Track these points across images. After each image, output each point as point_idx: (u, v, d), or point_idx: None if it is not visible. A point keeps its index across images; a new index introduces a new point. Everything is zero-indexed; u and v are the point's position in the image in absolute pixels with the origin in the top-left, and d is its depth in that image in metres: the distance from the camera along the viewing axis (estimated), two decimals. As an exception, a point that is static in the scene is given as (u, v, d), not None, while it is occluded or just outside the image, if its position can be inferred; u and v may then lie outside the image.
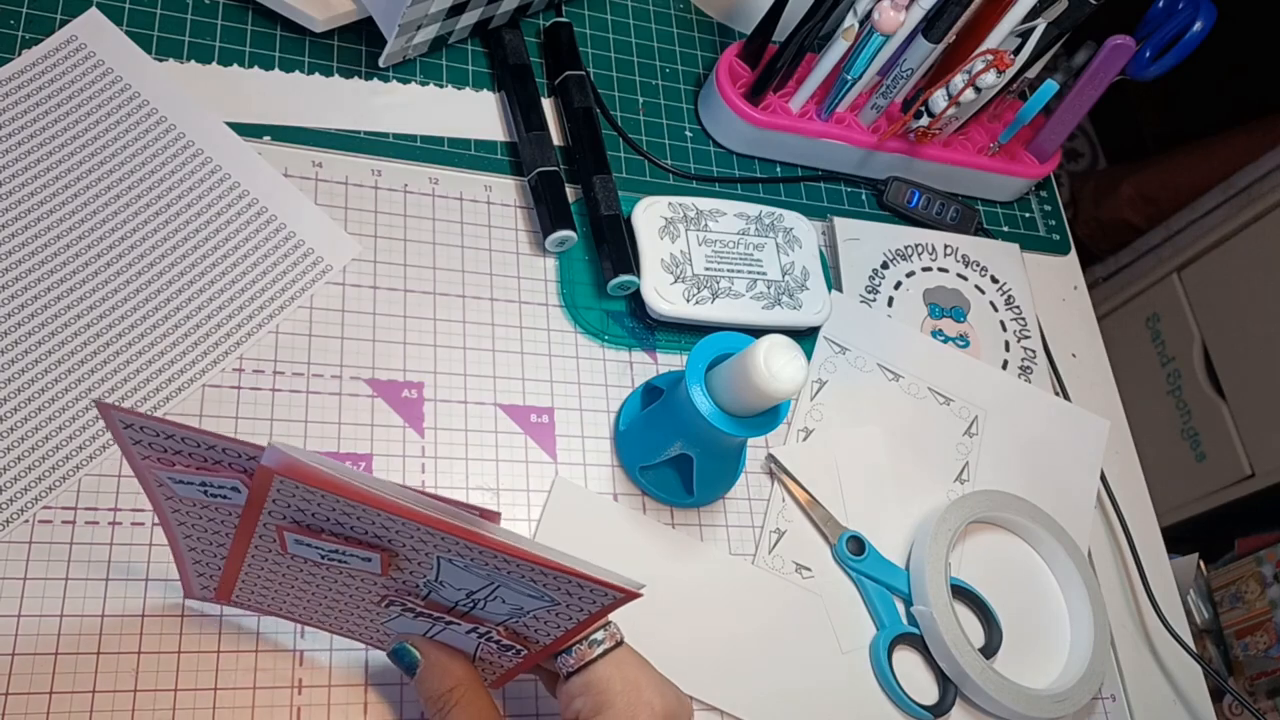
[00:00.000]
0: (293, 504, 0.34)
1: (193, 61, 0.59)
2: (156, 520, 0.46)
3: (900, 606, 0.58)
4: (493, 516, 0.35)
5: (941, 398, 0.66)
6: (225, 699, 0.45)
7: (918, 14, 0.63)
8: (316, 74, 0.61)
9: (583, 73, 0.66)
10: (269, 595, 0.43)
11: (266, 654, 0.46)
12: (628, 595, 0.36)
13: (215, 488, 0.35)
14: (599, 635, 0.41)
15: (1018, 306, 0.72)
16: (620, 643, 0.41)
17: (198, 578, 0.43)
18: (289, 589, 0.42)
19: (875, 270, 0.69)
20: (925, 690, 0.57)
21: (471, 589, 0.38)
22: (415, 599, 0.40)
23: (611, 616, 0.40)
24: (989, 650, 0.58)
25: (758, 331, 0.52)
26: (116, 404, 0.32)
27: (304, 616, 0.44)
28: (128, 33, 0.58)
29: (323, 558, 0.37)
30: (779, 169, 0.71)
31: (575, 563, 0.34)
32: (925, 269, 0.70)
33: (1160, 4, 0.69)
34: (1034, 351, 0.71)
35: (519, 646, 0.41)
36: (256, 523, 0.36)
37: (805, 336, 0.64)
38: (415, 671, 0.42)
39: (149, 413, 0.41)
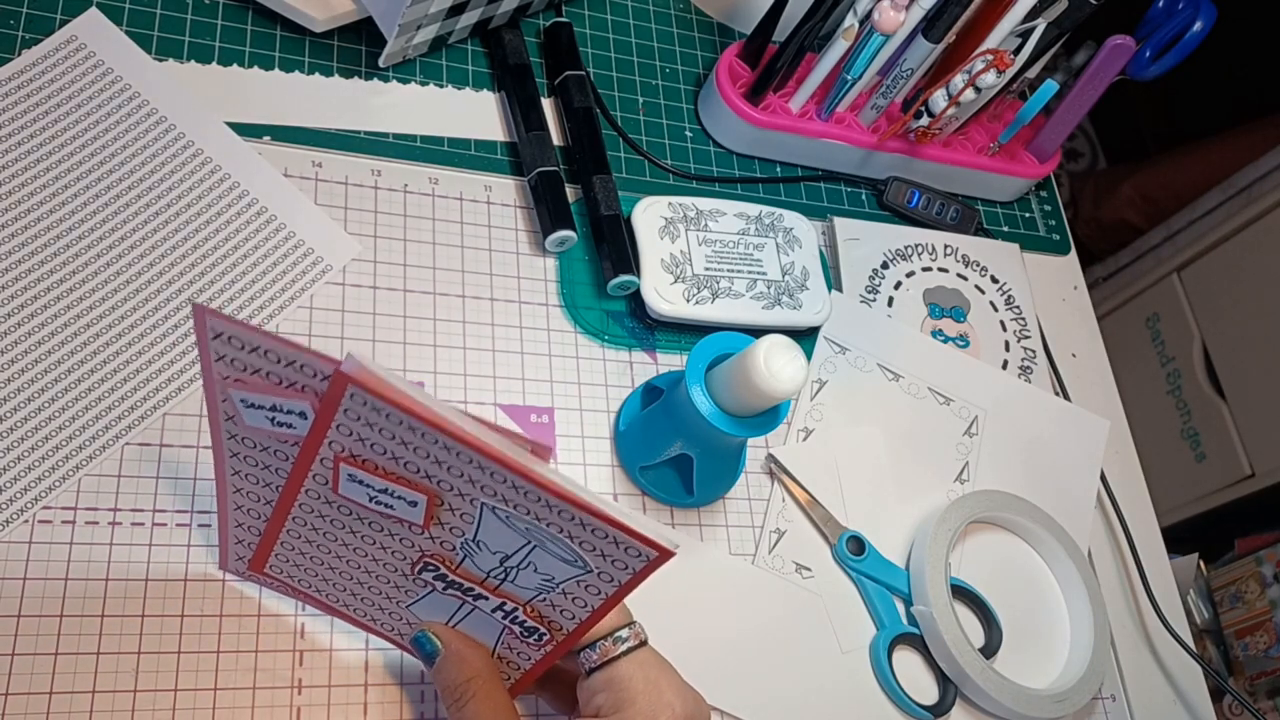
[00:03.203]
0: (355, 429, 0.35)
1: (193, 61, 0.59)
2: (214, 484, 0.45)
3: (900, 606, 0.58)
4: (544, 452, 0.36)
5: (941, 398, 0.66)
6: (225, 699, 0.45)
7: (918, 14, 0.63)
8: (316, 74, 0.61)
9: (583, 73, 0.66)
10: (303, 566, 0.43)
11: (266, 654, 0.46)
12: (662, 554, 0.36)
13: (284, 412, 0.36)
14: (623, 633, 0.41)
15: (1018, 306, 0.72)
16: (644, 642, 0.41)
17: (235, 544, 0.44)
18: (324, 557, 0.42)
19: (875, 270, 0.69)
20: (925, 690, 0.57)
21: (507, 552, 0.38)
22: (449, 565, 0.40)
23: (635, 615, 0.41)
24: (989, 650, 0.58)
25: (758, 331, 0.52)
26: (212, 308, 0.34)
27: (331, 597, 0.45)
28: (128, 33, 0.58)
29: (370, 500, 0.38)
30: (779, 169, 0.71)
31: (615, 510, 0.35)
32: (925, 269, 0.70)
33: (1160, 4, 0.69)
34: (1034, 351, 0.71)
35: (543, 630, 0.41)
36: (316, 453, 0.37)
37: (805, 336, 0.64)
38: (434, 660, 0.42)
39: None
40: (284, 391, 0.35)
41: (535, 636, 0.41)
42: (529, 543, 0.37)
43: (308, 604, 0.47)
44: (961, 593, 0.59)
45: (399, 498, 0.37)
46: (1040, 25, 0.65)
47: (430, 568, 0.40)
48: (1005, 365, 0.69)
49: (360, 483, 0.37)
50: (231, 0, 0.61)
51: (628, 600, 0.39)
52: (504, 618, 0.41)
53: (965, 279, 0.71)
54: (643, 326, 0.61)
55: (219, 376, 0.36)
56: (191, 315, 0.35)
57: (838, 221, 0.69)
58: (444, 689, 0.42)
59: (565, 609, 0.40)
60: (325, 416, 0.35)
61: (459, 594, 0.41)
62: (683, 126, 0.70)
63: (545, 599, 0.40)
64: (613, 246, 0.60)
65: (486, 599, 0.41)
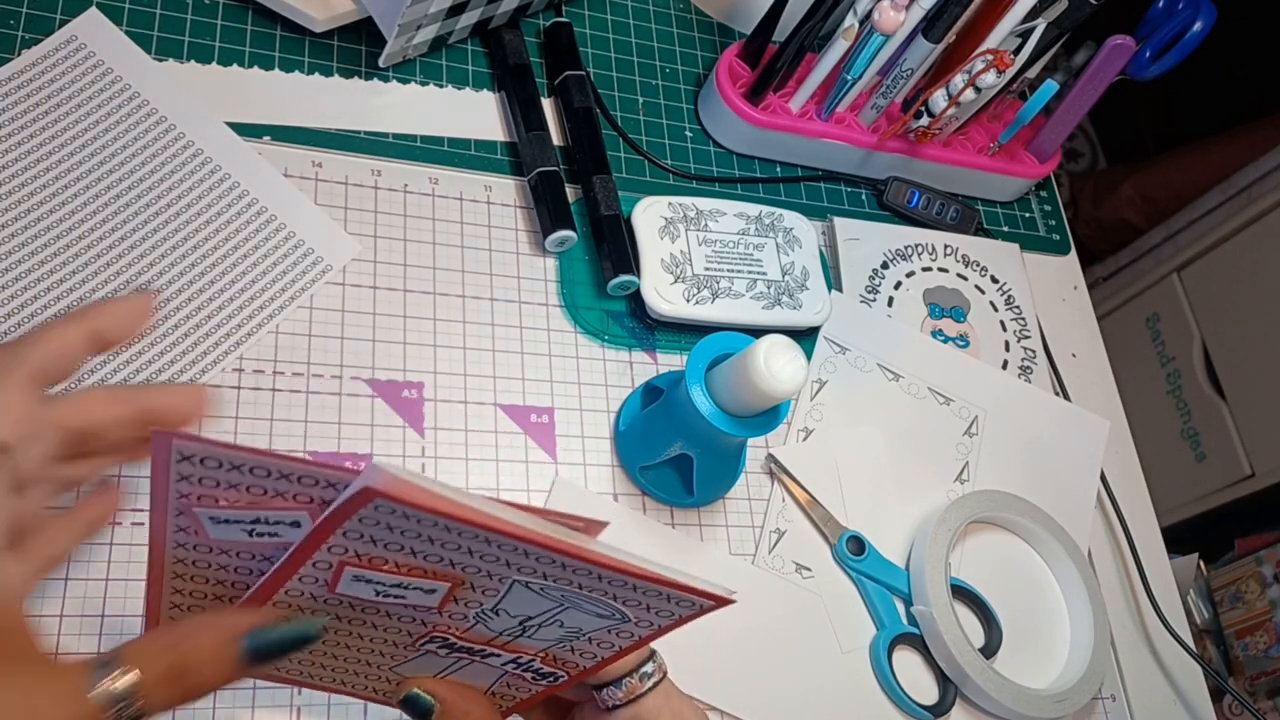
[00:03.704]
0: (369, 533, 0.31)
1: (193, 61, 0.59)
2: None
3: (900, 606, 0.58)
4: (596, 529, 0.33)
5: (941, 398, 0.66)
6: (225, 699, 0.45)
7: (918, 14, 0.63)
8: (316, 74, 0.61)
9: (583, 73, 0.66)
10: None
11: (266, 654, 0.46)
12: (721, 603, 0.33)
13: (269, 524, 0.32)
14: (648, 668, 0.40)
15: (1018, 306, 0.72)
16: (665, 675, 0.41)
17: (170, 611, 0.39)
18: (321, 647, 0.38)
19: (875, 270, 0.69)
20: (925, 690, 0.57)
21: (530, 614, 0.35)
22: (457, 634, 0.37)
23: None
24: (989, 650, 0.58)
25: (758, 331, 0.52)
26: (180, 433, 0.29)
27: (301, 675, 0.41)
28: (128, 33, 0.57)
29: (377, 594, 0.33)
30: (779, 169, 0.71)
31: (673, 573, 0.33)
32: (925, 269, 0.70)
33: (1160, 4, 0.69)
34: (1034, 351, 0.71)
35: (558, 673, 0.39)
36: (309, 557, 0.32)
37: (805, 336, 0.64)
38: (430, 718, 0.39)
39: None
40: (271, 503, 0.31)
41: (549, 679, 0.39)
42: (562, 605, 0.35)
43: (274, 682, 0.42)
44: (961, 593, 0.59)
45: (414, 589, 0.33)
46: (1040, 25, 0.65)
47: (436, 638, 0.37)
48: (1005, 365, 0.69)
49: (367, 581, 0.33)
50: (231, 0, 0.61)
51: None
52: (515, 667, 0.39)
53: (965, 279, 0.71)
54: (643, 326, 0.61)
55: (178, 496, 0.31)
56: (152, 443, 0.30)
57: (838, 221, 0.69)
58: None
59: (587, 652, 0.38)
60: (330, 525, 0.30)
61: (463, 655, 0.39)
62: (683, 126, 0.70)
63: (567, 646, 0.37)
64: (613, 246, 0.60)
65: (497, 655, 0.38)
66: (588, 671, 0.39)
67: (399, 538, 0.31)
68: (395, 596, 0.34)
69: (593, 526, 0.33)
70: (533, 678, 0.40)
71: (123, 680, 0.30)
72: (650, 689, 0.40)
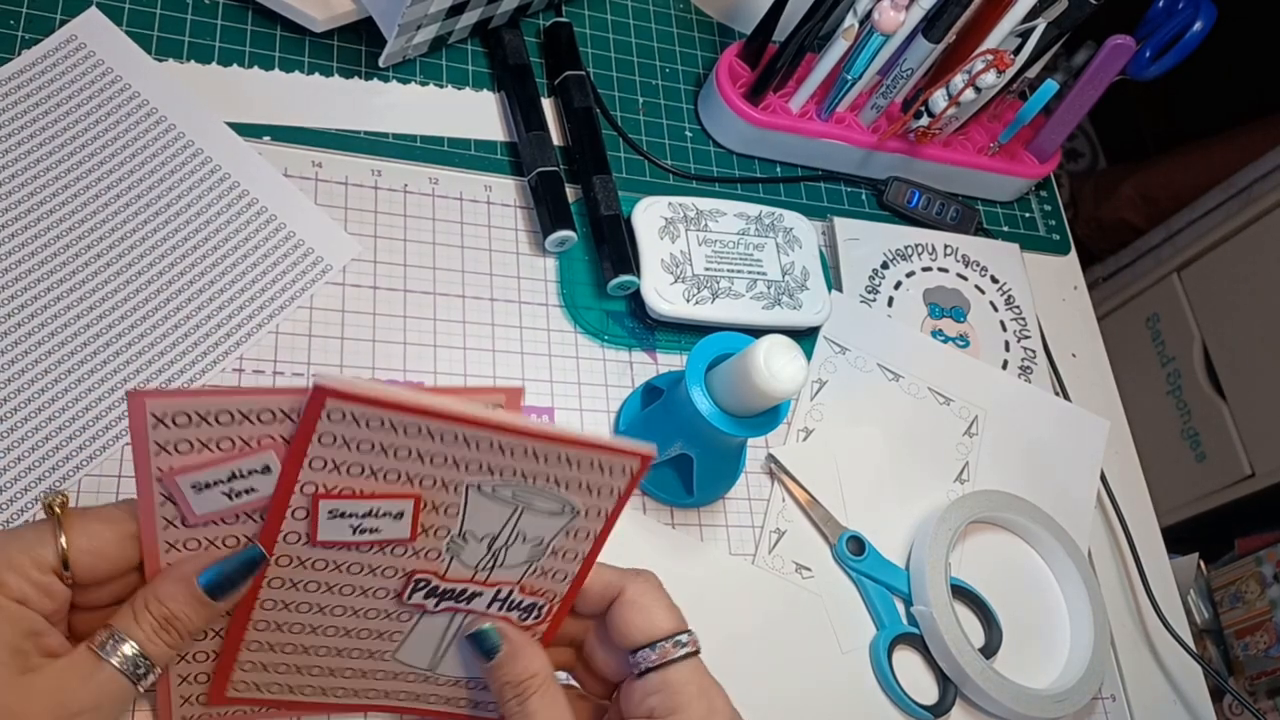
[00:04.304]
0: (330, 457, 0.35)
1: (193, 61, 0.59)
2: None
3: (900, 606, 0.58)
4: (516, 396, 0.37)
5: (941, 398, 0.66)
6: (225, 699, 0.45)
7: (918, 14, 0.63)
8: (316, 74, 0.61)
9: (583, 73, 0.66)
10: (273, 667, 0.42)
11: (266, 654, 0.46)
12: (644, 459, 0.38)
13: (244, 476, 0.35)
14: (683, 638, 0.41)
15: (1018, 306, 0.72)
16: (698, 651, 0.42)
17: (180, 685, 0.41)
18: (297, 640, 0.41)
19: (875, 270, 0.69)
20: (925, 690, 0.57)
21: (494, 532, 0.39)
22: (438, 574, 0.40)
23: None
24: (989, 650, 0.58)
25: (758, 331, 0.52)
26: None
27: (309, 690, 0.43)
28: (128, 33, 0.57)
29: (354, 530, 0.37)
30: (779, 169, 0.71)
31: (591, 435, 0.37)
32: (925, 269, 0.70)
33: (1160, 4, 0.69)
34: (1034, 351, 0.71)
35: (540, 601, 0.41)
36: (287, 504, 0.36)
37: (805, 336, 0.64)
38: (495, 656, 0.42)
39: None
40: (240, 454, 0.35)
41: (535, 613, 0.42)
42: (516, 508, 0.38)
43: (286, 713, 0.44)
44: (961, 593, 0.59)
45: (384, 514, 0.37)
46: (1040, 25, 0.65)
47: (420, 584, 0.40)
48: (1005, 365, 0.69)
49: (342, 515, 0.37)
50: (231, 0, 0.61)
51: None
52: (500, 608, 0.41)
53: (965, 279, 0.71)
54: (643, 326, 0.61)
55: (160, 472, 0.35)
56: (127, 405, 0.34)
57: (838, 221, 0.69)
58: (504, 684, 0.41)
59: (557, 570, 0.40)
60: (296, 457, 0.35)
61: (451, 604, 0.41)
62: (683, 126, 0.70)
63: (536, 568, 0.40)
64: (613, 246, 0.60)
65: (480, 594, 0.41)
66: (569, 596, 0.42)
67: (357, 456, 0.35)
68: (370, 530, 0.38)
69: (511, 395, 0.37)
70: (520, 617, 0.42)
71: (126, 647, 0.36)
72: (682, 657, 0.41)
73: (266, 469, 0.35)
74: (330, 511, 0.37)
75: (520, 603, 0.41)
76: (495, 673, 0.42)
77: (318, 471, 0.35)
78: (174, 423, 0.33)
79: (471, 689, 0.45)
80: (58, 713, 0.34)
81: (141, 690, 0.36)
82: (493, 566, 0.40)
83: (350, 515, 0.37)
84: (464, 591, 0.41)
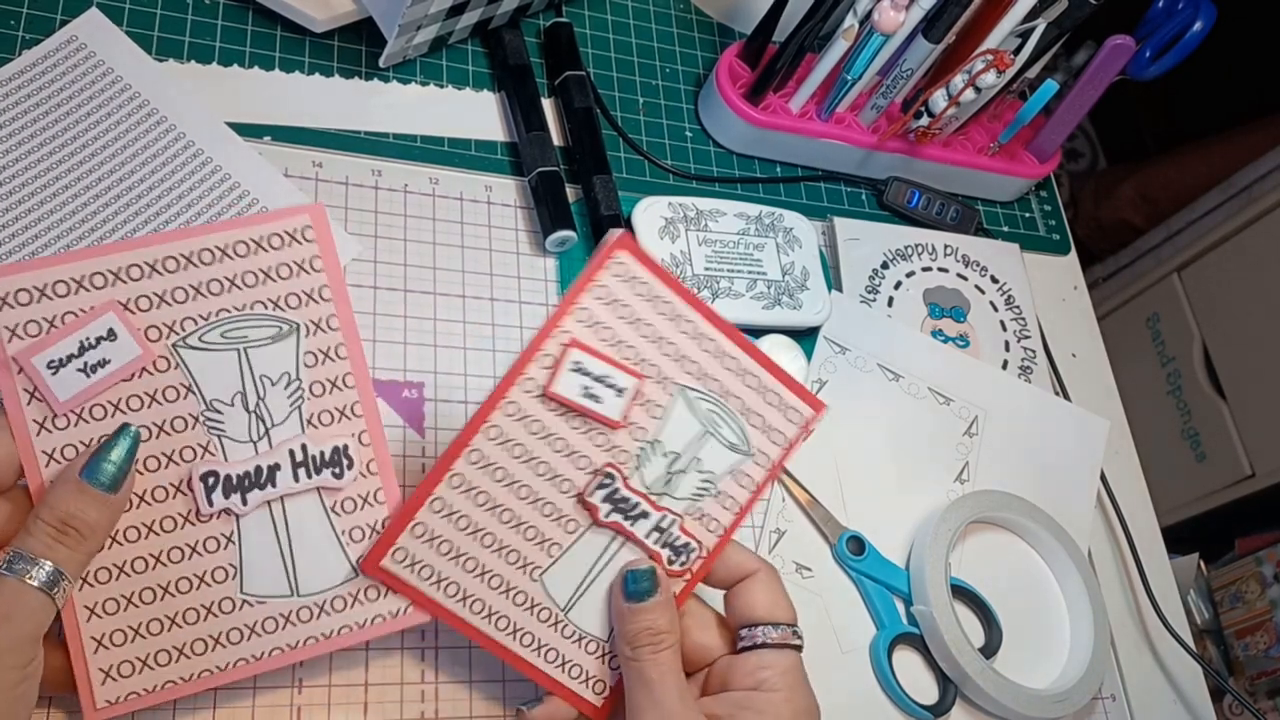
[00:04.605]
0: (596, 308, 0.40)
1: (193, 61, 0.59)
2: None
3: (900, 606, 0.58)
4: (319, 210, 0.42)
5: (941, 398, 0.66)
6: (225, 698, 0.45)
7: (918, 14, 0.63)
8: (316, 74, 0.61)
9: (583, 73, 0.66)
10: (438, 544, 0.41)
11: (267, 654, 0.46)
12: (816, 406, 0.45)
13: (92, 345, 0.37)
14: (799, 630, 0.45)
15: (1018, 306, 0.72)
16: (800, 648, 0.45)
17: (97, 653, 0.40)
18: (478, 518, 0.42)
19: (875, 270, 0.69)
20: (925, 690, 0.57)
21: (678, 450, 0.43)
22: (623, 476, 0.42)
23: None
24: (989, 650, 0.58)
25: (758, 331, 0.52)
26: None
27: (458, 595, 0.42)
28: (128, 33, 0.58)
29: (581, 392, 0.41)
30: (779, 169, 0.72)
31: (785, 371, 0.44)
32: (925, 269, 0.70)
33: (1160, 4, 0.69)
34: (1034, 351, 0.71)
35: (692, 544, 0.44)
36: (539, 346, 0.40)
37: (805, 336, 0.64)
38: (645, 599, 0.42)
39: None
40: (81, 321, 0.36)
41: (684, 556, 0.44)
42: (704, 430, 0.43)
43: (430, 614, 0.43)
44: (961, 593, 0.59)
45: (611, 385, 0.41)
46: (1040, 25, 0.66)
47: (605, 483, 0.42)
48: (1005, 365, 0.69)
49: (581, 370, 0.41)
50: (231, 0, 0.61)
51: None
52: (658, 540, 0.44)
53: (965, 279, 0.71)
54: (643, 326, 0.61)
55: (16, 360, 0.36)
56: None
57: (838, 221, 0.69)
58: (643, 630, 0.42)
59: (714, 517, 0.44)
60: (567, 302, 0.40)
61: (619, 519, 0.43)
62: (683, 126, 0.70)
63: (698, 508, 0.44)
64: (613, 246, 0.60)
65: (648, 516, 0.43)
66: (713, 554, 0.45)
67: (614, 320, 0.40)
68: (594, 399, 0.41)
69: (315, 211, 0.41)
70: (670, 558, 0.44)
71: (40, 568, 0.35)
72: (797, 646, 0.44)
73: (111, 333, 0.36)
74: (574, 364, 0.40)
75: (675, 540, 0.44)
76: (640, 616, 0.42)
77: (578, 322, 0.40)
78: (17, 301, 0.35)
79: (588, 654, 0.44)
80: None
81: (57, 602, 0.36)
82: (664, 491, 0.43)
83: (587, 374, 0.41)
84: (636, 506, 0.43)
